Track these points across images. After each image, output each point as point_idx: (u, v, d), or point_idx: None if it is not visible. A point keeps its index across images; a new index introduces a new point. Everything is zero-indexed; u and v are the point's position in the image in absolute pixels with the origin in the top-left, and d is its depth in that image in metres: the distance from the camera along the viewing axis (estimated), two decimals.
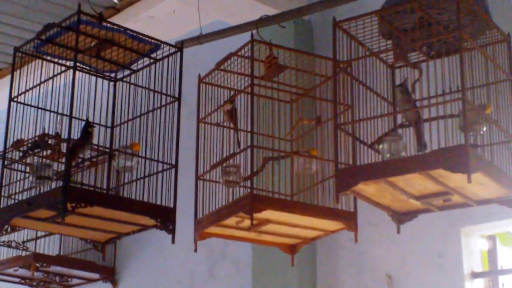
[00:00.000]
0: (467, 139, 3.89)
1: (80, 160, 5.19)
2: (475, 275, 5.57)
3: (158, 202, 4.84)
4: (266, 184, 4.94)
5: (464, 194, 4.27)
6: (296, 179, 5.00)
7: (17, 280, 8.39)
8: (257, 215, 4.45)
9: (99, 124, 5.21)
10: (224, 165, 4.77)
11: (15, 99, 5.02)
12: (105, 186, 5.13)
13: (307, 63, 4.95)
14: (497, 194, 4.29)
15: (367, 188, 4.23)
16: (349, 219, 4.71)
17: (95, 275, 8.20)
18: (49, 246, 8.39)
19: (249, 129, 4.62)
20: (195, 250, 4.83)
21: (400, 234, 4.69)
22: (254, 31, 5.11)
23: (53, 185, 4.96)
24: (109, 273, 8.15)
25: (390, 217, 4.63)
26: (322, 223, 4.76)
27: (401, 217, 4.64)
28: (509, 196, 4.29)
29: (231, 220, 4.62)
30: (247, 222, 4.54)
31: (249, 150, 4.54)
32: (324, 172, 4.92)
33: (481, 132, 4.21)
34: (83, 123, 5.05)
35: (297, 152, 4.94)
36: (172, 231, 4.80)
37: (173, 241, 4.81)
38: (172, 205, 4.85)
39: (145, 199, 4.86)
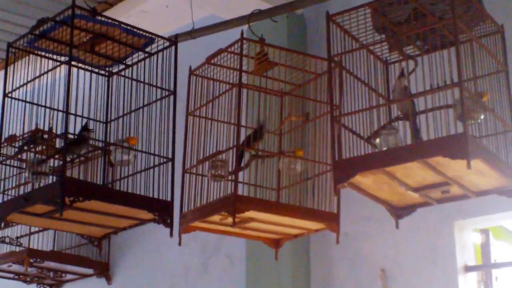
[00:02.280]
0: (465, 126, 3.86)
1: (75, 155, 5.18)
2: (468, 268, 5.58)
3: (155, 196, 4.85)
4: (253, 179, 4.96)
5: (463, 184, 4.25)
6: (281, 177, 5.02)
7: (11, 275, 8.35)
8: (240, 214, 4.48)
9: (94, 119, 5.21)
10: (211, 159, 4.78)
11: (9, 95, 5.01)
12: (100, 181, 5.13)
13: (298, 59, 4.96)
14: (497, 184, 4.27)
15: (365, 180, 4.22)
16: (332, 220, 4.73)
17: (89, 271, 8.18)
18: (43, 241, 8.36)
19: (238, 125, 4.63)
20: (179, 244, 4.83)
21: (394, 228, 4.70)
22: (245, 28, 5.12)
23: (49, 181, 4.96)
24: (103, 269, 8.14)
25: (388, 212, 4.61)
26: (304, 223, 4.79)
27: (399, 211, 4.62)
28: (509, 186, 4.26)
29: (215, 217, 4.64)
30: (230, 219, 4.54)
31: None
32: (310, 171, 4.93)
33: (479, 121, 4.19)
34: (78, 118, 5.04)
35: (282, 152, 4.96)
36: (170, 225, 4.81)
37: (171, 234, 4.81)
38: (169, 199, 4.86)
39: (142, 193, 4.87)
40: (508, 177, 4.19)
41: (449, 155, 3.82)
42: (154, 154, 4.95)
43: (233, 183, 4.63)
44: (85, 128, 5.01)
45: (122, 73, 5.25)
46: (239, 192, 4.58)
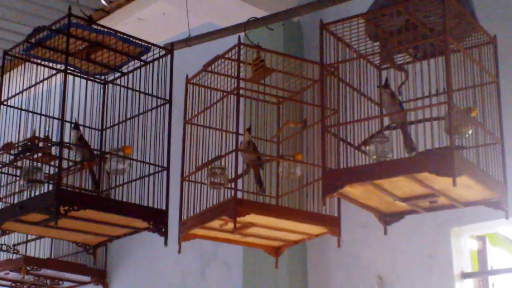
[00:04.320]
0: (452, 143, 3.91)
1: (71, 163, 5.18)
2: (465, 275, 5.58)
3: (150, 205, 4.85)
4: (252, 186, 4.96)
5: (450, 196, 4.29)
6: (281, 182, 5.02)
7: (8, 283, 8.34)
8: (240, 219, 4.47)
9: (90, 127, 5.21)
10: (210, 166, 4.77)
11: (5, 103, 5.01)
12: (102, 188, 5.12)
13: (295, 66, 4.97)
14: (483, 196, 4.32)
15: (354, 190, 4.25)
16: (333, 223, 4.73)
17: (86, 278, 8.18)
18: (40, 249, 8.36)
19: (236, 131, 4.64)
20: (179, 251, 4.84)
21: (390, 235, 4.71)
22: (242, 34, 5.12)
23: (45, 189, 4.95)
24: (101, 276, 8.14)
25: (377, 218, 4.65)
26: (305, 227, 4.78)
27: (388, 218, 4.66)
28: (495, 198, 4.31)
29: (215, 223, 4.63)
30: (230, 225, 4.55)
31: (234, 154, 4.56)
32: (309, 175, 4.93)
33: (467, 135, 4.24)
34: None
35: (282, 156, 4.96)
36: (164, 234, 4.80)
37: (165, 243, 4.80)
38: (164, 208, 4.86)
39: (137, 202, 4.86)
40: (493, 190, 4.25)
41: (436, 172, 3.89)
42: (149, 163, 4.95)
43: (232, 190, 4.63)
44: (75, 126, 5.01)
45: (118, 81, 5.25)
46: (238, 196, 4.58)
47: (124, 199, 4.88)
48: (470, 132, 4.24)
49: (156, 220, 4.80)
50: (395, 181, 4.09)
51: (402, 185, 4.15)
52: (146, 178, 4.93)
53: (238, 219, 4.44)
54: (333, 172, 4.21)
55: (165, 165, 4.92)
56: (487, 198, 4.34)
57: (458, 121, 4.13)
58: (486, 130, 4.34)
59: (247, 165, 4.86)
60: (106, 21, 7.19)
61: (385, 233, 4.65)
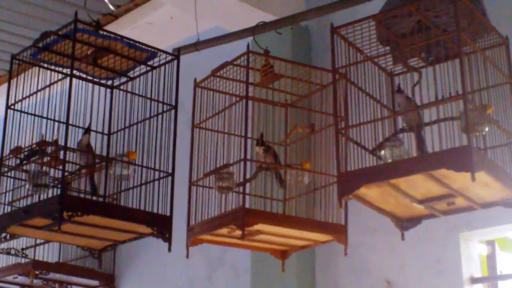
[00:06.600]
0: (469, 138, 3.84)
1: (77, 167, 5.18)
2: (474, 280, 5.56)
3: (155, 210, 4.84)
4: (259, 190, 4.95)
5: (468, 196, 4.23)
6: (288, 189, 5.01)
7: (17, 287, 8.38)
8: (248, 228, 4.48)
9: (96, 131, 5.21)
10: (218, 172, 4.77)
11: (12, 107, 5.02)
12: (101, 194, 5.11)
13: (303, 71, 4.96)
14: (501, 195, 4.24)
15: (370, 192, 4.20)
16: (339, 232, 4.72)
17: (95, 282, 8.20)
18: (48, 253, 8.38)
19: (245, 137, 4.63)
20: (187, 256, 4.85)
21: (399, 239, 4.68)
22: (251, 40, 5.11)
23: (51, 193, 4.96)
24: (109, 280, 8.15)
25: (394, 223, 4.60)
26: (312, 235, 4.79)
27: (405, 223, 4.60)
28: None
29: (223, 230, 4.63)
30: (238, 232, 4.55)
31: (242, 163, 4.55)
32: (317, 182, 4.92)
33: (483, 133, 4.17)
34: (81, 130, 5.04)
35: (289, 165, 4.95)
36: (168, 240, 4.80)
37: (169, 249, 4.81)
38: (168, 214, 4.86)
39: (142, 207, 4.85)
40: None
41: (454, 167, 3.80)
42: (154, 169, 4.95)
43: (239, 195, 4.63)
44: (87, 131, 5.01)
45: (125, 86, 5.25)
46: (246, 203, 4.57)
47: (129, 205, 4.88)
48: (486, 129, 4.17)
49: (160, 226, 4.80)
50: (412, 180, 4.01)
51: (419, 184, 4.08)
52: (151, 184, 4.93)
53: (246, 228, 4.46)
54: (349, 173, 4.14)
55: (170, 171, 4.92)
56: (505, 198, 4.26)
57: (474, 119, 4.06)
58: (501, 128, 4.28)
59: (255, 172, 4.85)
60: (114, 26, 7.21)
61: (403, 238, 4.59)
